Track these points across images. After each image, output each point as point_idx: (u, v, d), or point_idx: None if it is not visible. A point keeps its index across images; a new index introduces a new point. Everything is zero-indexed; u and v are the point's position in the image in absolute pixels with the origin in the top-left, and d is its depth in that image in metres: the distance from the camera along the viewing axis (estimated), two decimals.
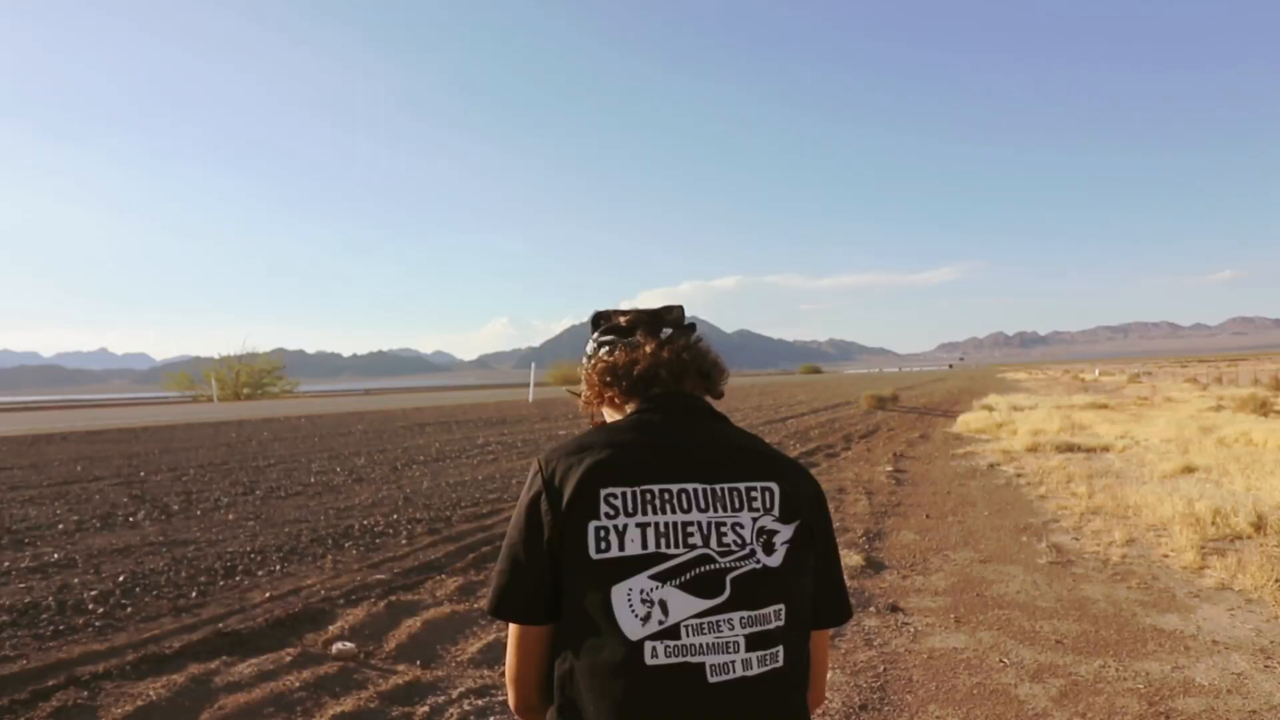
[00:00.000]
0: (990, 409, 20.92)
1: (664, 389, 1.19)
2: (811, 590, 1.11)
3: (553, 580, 1.06)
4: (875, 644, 4.34)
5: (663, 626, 0.98)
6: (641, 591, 1.00)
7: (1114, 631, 4.43)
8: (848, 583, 5.41)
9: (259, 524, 7.85)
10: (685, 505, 1.04)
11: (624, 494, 1.04)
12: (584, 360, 1.31)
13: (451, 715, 3.49)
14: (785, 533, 1.07)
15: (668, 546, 1.01)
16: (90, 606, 5.06)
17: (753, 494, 1.07)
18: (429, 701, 3.65)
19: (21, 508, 9.14)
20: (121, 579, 5.71)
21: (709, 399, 1.26)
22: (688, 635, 0.98)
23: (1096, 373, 65.51)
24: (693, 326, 1.30)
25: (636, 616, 0.99)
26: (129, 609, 5.03)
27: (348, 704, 3.58)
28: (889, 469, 11.24)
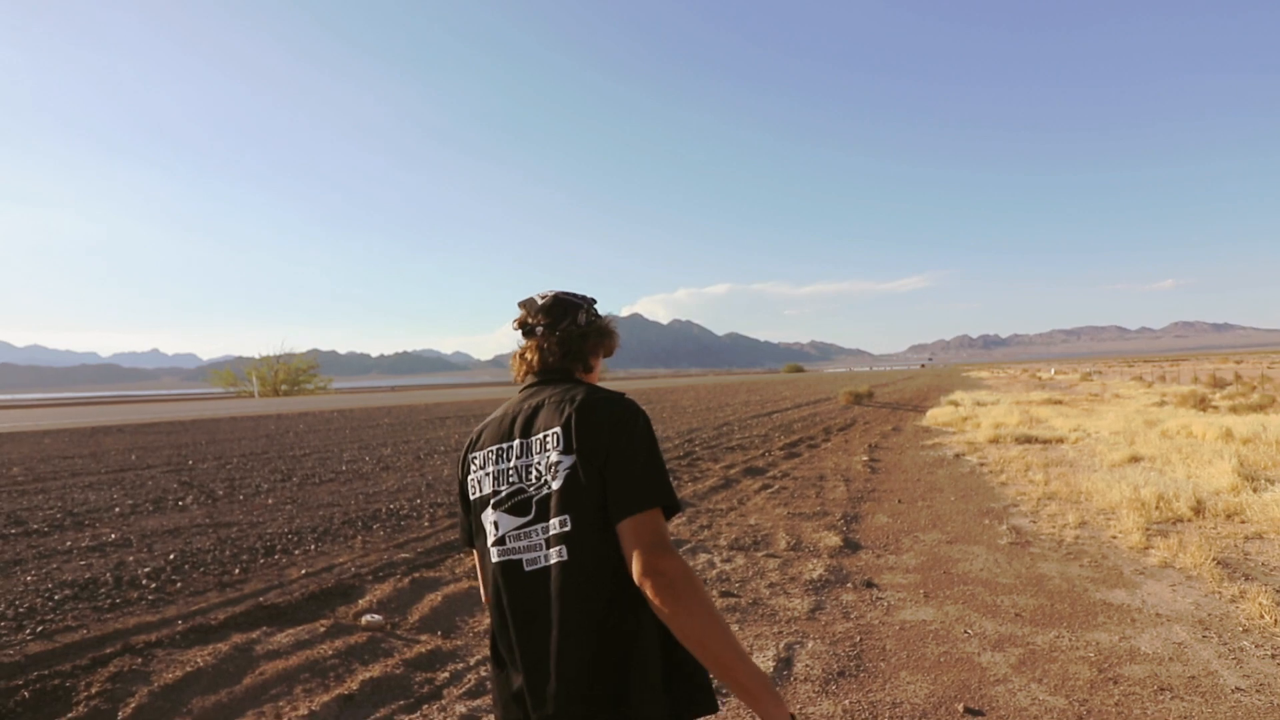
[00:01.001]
0: (956, 404, 20.90)
1: (537, 373, 1.53)
2: (601, 499, 1.32)
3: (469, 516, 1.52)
4: (852, 617, 4.35)
5: (496, 537, 1.40)
6: (490, 516, 1.42)
7: (1067, 605, 4.44)
8: (828, 561, 5.41)
9: (296, 508, 7.85)
10: (509, 457, 1.42)
11: (479, 455, 1.48)
12: None
13: (469, 680, 3.50)
14: (566, 462, 1.34)
15: (499, 486, 1.42)
16: (144, 582, 5.07)
17: (545, 440, 1.38)
18: (449, 668, 3.66)
19: (82, 492, 9.15)
20: (172, 557, 5.72)
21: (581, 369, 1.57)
22: (511, 542, 1.38)
23: (1052, 372, 65.49)
24: (566, 312, 1.53)
25: (487, 532, 1.42)
26: (179, 584, 5.04)
27: (376, 670, 3.59)
28: (865, 458, 11.24)
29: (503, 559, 1.37)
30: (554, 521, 1.31)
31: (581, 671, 1.27)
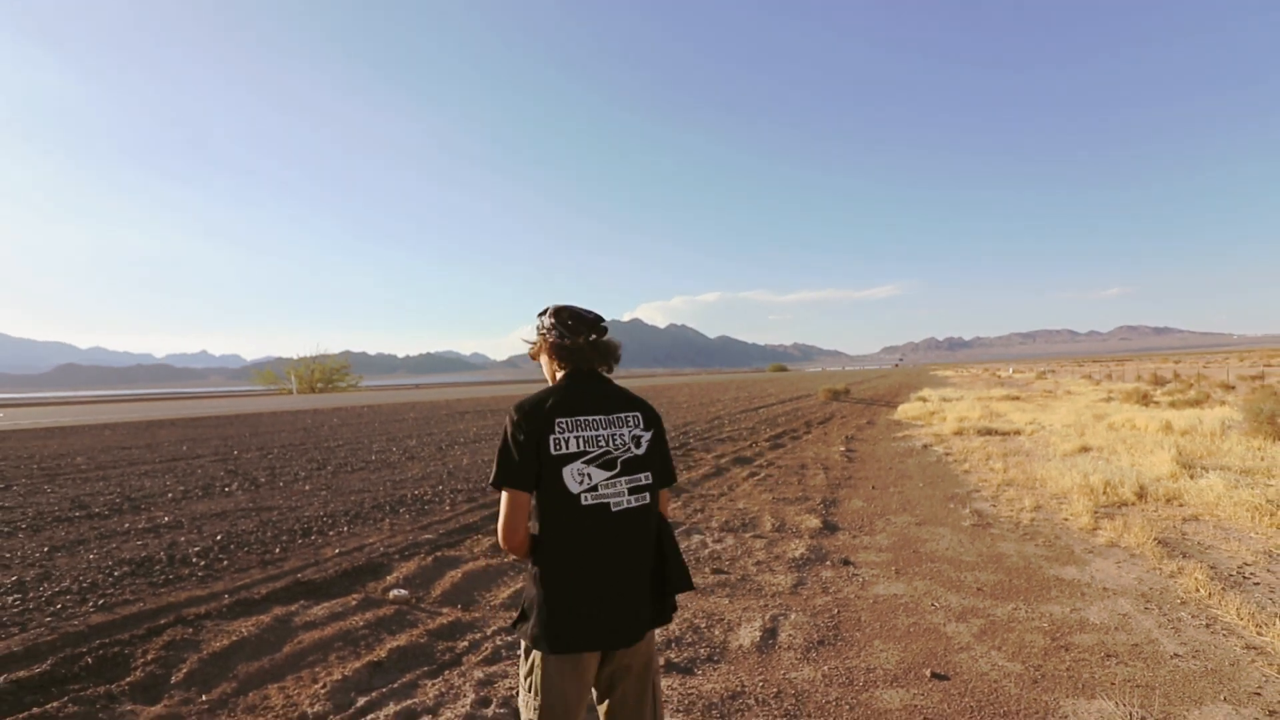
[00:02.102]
0: (924, 400, 20.90)
1: (583, 365, 1.82)
2: (662, 466, 1.83)
3: (537, 467, 1.68)
4: (830, 591, 4.35)
5: (589, 485, 1.69)
6: (577, 470, 1.69)
7: (1024, 581, 4.44)
8: (809, 541, 5.40)
9: (330, 494, 7.85)
10: (595, 426, 1.74)
11: (565, 421, 1.72)
12: (541, 329, 1.85)
13: (486, 648, 3.50)
14: (647, 436, 1.80)
15: (588, 447, 1.72)
16: (194, 560, 5.07)
17: (627, 418, 1.79)
18: (467, 638, 3.66)
19: (138, 479, 9.15)
20: (219, 538, 5.71)
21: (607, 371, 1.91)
22: (601, 489, 1.70)
23: (1010, 371, 65.43)
24: (605, 330, 1.87)
25: (576, 482, 1.69)
26: (225, 562, 5.04)
27: (402, 639, 3.59)
28: (842, 449, 11.23)
29: (594, 501, 1.69)
30: (641, 476, 1.76)
31: (654, 574, 1.77)
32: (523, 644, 1.73)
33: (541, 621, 1.65)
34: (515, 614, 1.77)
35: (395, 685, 3.11)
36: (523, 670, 1.73)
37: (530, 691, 1.69)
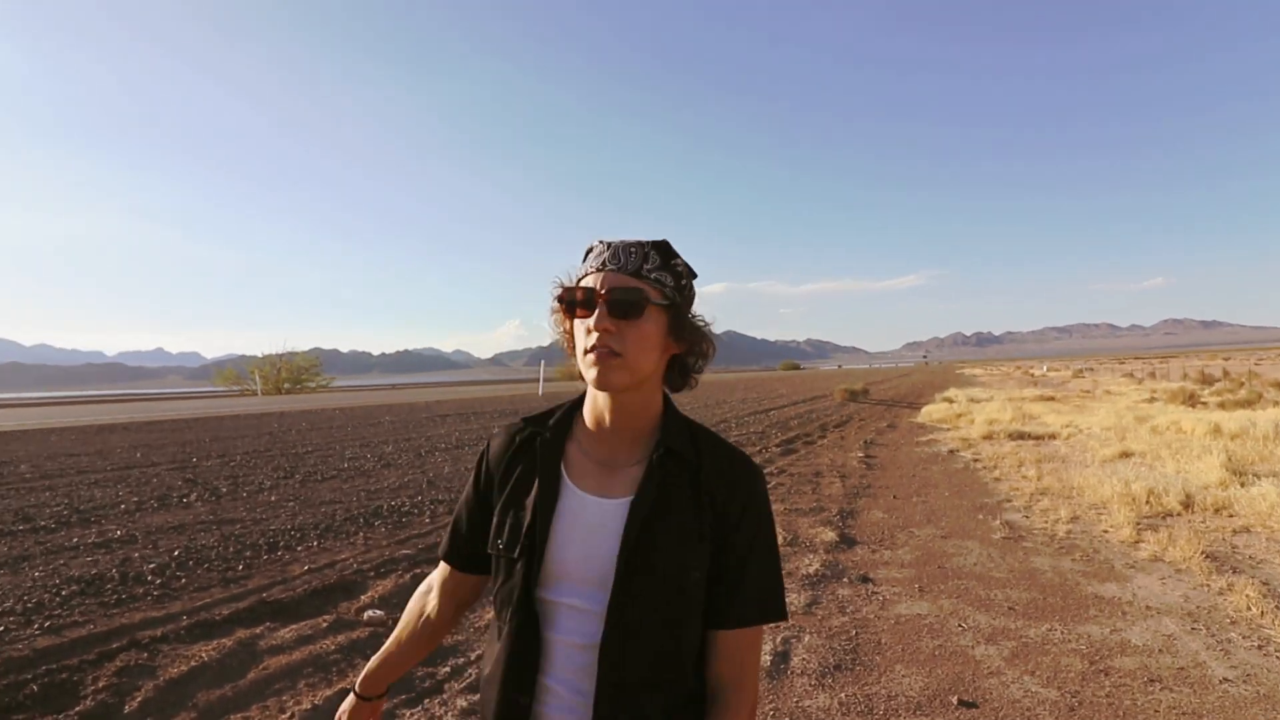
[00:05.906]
0: (950, 401, 20.91)
1: None
2: None
3: None
4: (848, 611, 4.35)
5: None
6: None
7: (1059, 599, 4.45)
8: (824, 557, 5.39)
9: (298, 505, 7.84)
10: None
11: None
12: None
13: (470, 674, 3.50)
14: None
15: None
16: (149, 578, 5.06)
17: None
18: (450, 663, 3.66)
19: (88, 490, 9.13)
20: (176, 553, 5.71)
21: None
22: None
23: (1045, 369, 65.50)
24: None
25: None
26: (183, 580, 5.03)
27: None
28: (860, 455, 11.24)
29: None
30: None
31: None
32: None
33: None
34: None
35: None
36: None
37: None
